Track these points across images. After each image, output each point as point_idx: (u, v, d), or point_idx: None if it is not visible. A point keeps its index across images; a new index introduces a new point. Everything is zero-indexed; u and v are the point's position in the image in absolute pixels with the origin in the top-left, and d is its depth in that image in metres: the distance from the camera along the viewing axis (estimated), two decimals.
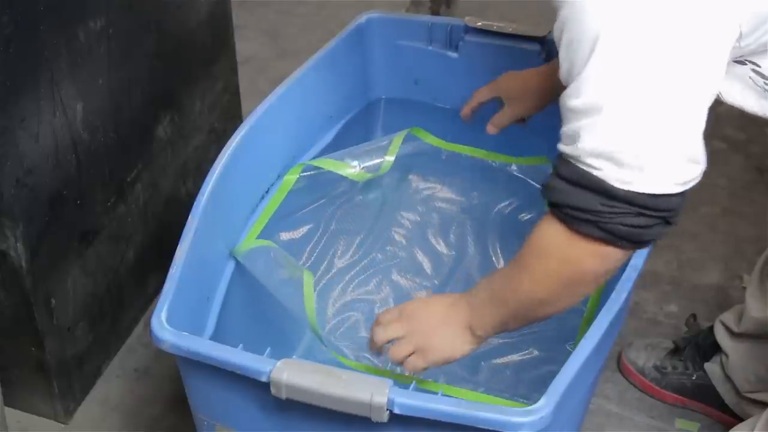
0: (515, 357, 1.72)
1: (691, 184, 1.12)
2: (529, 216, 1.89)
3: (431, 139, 1.89)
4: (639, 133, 1.08)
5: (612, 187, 1.09)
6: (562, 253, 1.17)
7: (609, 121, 1.08)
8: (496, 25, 1.81)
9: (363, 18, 1.86)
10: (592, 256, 1.15)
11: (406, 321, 1.33)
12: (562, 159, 1.14)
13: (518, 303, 1.24)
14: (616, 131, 1.08)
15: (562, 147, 1.14)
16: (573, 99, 1.11)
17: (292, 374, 1.21)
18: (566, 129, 1.13)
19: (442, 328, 1.30)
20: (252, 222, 1.65)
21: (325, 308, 1.81)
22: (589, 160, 1.10)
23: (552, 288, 1.20)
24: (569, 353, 1.28)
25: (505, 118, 1.70)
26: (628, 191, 1.09)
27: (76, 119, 1.62)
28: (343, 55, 1.82)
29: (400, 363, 1.34)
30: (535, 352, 1.72)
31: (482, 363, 1.72)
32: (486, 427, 1.17)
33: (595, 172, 1.10)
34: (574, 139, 1.11)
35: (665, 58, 1.06)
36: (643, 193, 1.09)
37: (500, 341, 1.75)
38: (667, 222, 1.13)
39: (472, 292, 1.30)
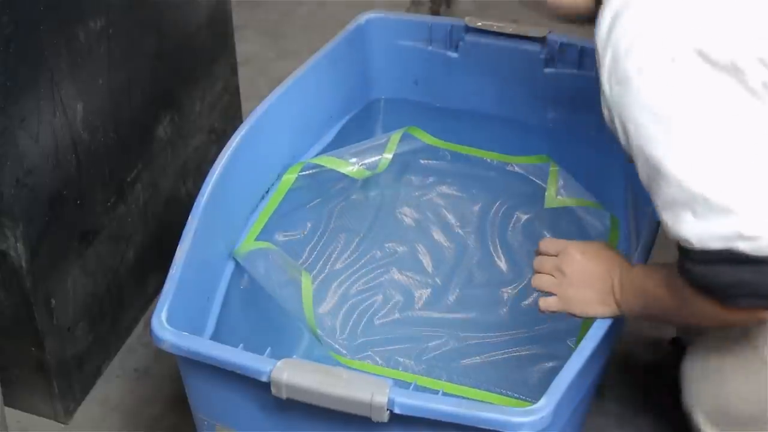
0: (517, 352, 1.73)
1: None
2: (527, 215, 1.89)
3: (428, 138, 1.89)
4: (749, 203, 1.08)
5: (753, 256, 1.08)
6: (721, 319, 1.17)
7: (718, 205, 1.08)
8: (496, 25, 1.81)
9: (363, 18, 1.86)
10: (752, 319, 1.16)
11: (561, 263, 1.34)
12: (692, 250, 1.12)
13: (665, 316, 1.28)
14: (732, 212, 1.08)
15: (684, 244, 1.12)
16: (667, 194, 1.11)
17: (293, 374, 1.21)
18: (675, 226, 1.12)
19: (590, 287, 1.33)
20: (252, 222, 1.65)
21: (325, 307, 1.81)
22: (717, 245, 1.09)
23: (703, 325, 1.25)
24: (571, 350, 1.28)
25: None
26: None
27: (76, 119, 1.62)
28: (343, 55, 1.82)
29: (540, 290, 1.37)
30: (537, 348, 1.72)
31: (484, 358, 1.72)
32: (486, 427, 1.17)
33: (731, 249, 1.09)
34: (689, 233, 1.10)
35: (735, 131, 1.08)
36: None
37: (502, 337, 1.75)
38: None
39: (630, 270, 1.30)
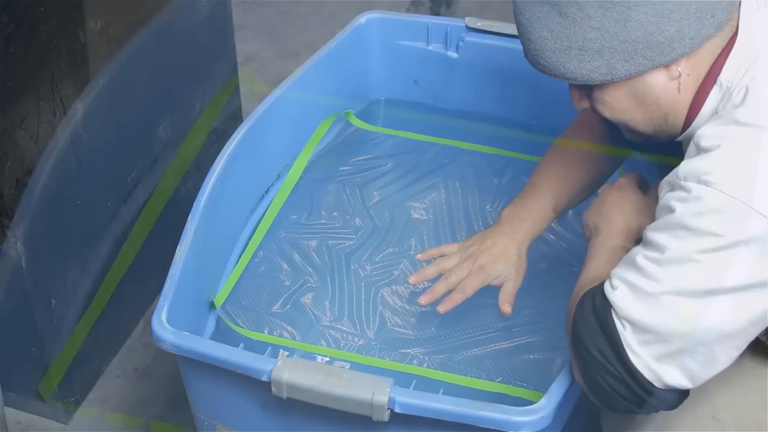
0: (524, 340, 1.72)
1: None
2: None
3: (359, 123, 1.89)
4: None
5: (621, 345, 1.11)
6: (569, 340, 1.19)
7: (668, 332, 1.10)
8: (496, 26, 1.81)
9: (363, 18, 1.86)
10: (575, 362, 1.17)
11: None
12: (610, 301, 1.13)
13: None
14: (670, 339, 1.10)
15: (609, 293, 1.14)
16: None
17: (293, 373, 1.21)
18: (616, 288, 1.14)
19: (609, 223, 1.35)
20: (252, 223, 1.65)
21: (344, 305, 1.80)
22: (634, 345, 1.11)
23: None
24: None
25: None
26: (632, 363, 1.10)
27: (76, 119, 1.62)
28: (343, 55, 1.82)
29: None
30: (544, 335, 1.72)
31: (495, 346, 1.72)
32: (486, 426, 1.17)
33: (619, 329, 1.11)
34: (624, 303, 1.12)
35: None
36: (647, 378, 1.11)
37: (507, 326, 1.75)
38: (639, 406, 1.14)
39: (614, 247, 1.30)
